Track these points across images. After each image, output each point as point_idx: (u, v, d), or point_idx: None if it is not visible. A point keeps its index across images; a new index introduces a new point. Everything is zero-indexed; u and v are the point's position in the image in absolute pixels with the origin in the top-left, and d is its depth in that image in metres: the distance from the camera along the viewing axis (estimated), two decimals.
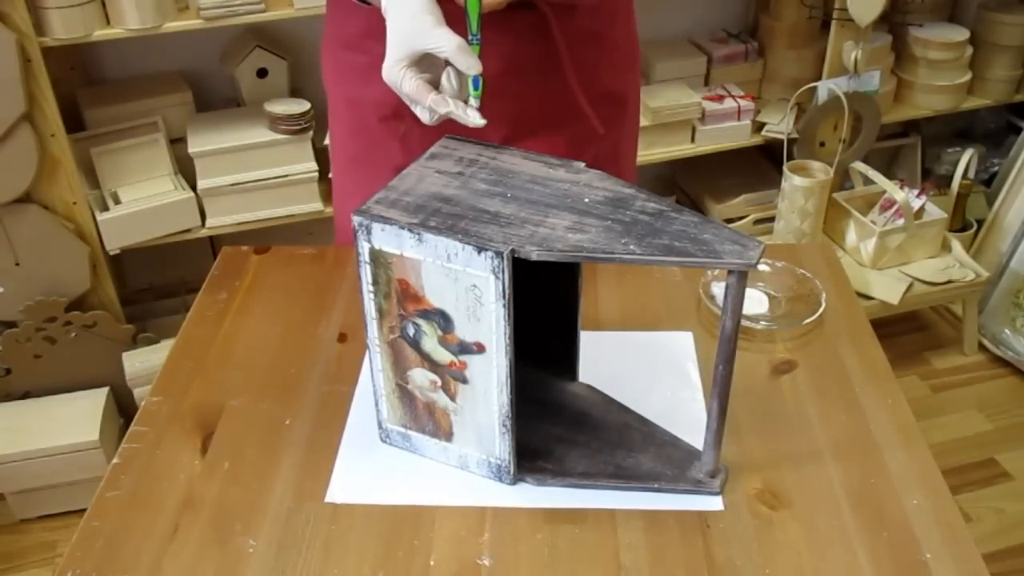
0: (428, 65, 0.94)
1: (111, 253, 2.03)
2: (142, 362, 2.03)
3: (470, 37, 0.94)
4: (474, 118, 0.93)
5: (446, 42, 0.91)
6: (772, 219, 2.37)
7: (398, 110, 1.19)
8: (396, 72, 0.94)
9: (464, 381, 0.91)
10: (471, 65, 0.91)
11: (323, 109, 2.13)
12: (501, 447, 0.94)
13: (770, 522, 0.92)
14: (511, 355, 0.87)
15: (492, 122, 1.06)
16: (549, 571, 0.88)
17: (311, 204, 2.13)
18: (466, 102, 0.94)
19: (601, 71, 1.21)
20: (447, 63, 0.93)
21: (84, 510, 0.95)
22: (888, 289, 2.25)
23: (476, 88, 0.93)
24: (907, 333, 2.52)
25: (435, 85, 0.94)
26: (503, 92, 1.13)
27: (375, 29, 1.13)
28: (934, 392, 2.35)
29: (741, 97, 2.36)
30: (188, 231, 2.09)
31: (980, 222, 2.52)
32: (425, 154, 0.96)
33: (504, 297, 0.83)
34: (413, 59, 0.93)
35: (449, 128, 1.04)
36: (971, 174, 2.46)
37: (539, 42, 1.14)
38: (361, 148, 1.27)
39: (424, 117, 0.96)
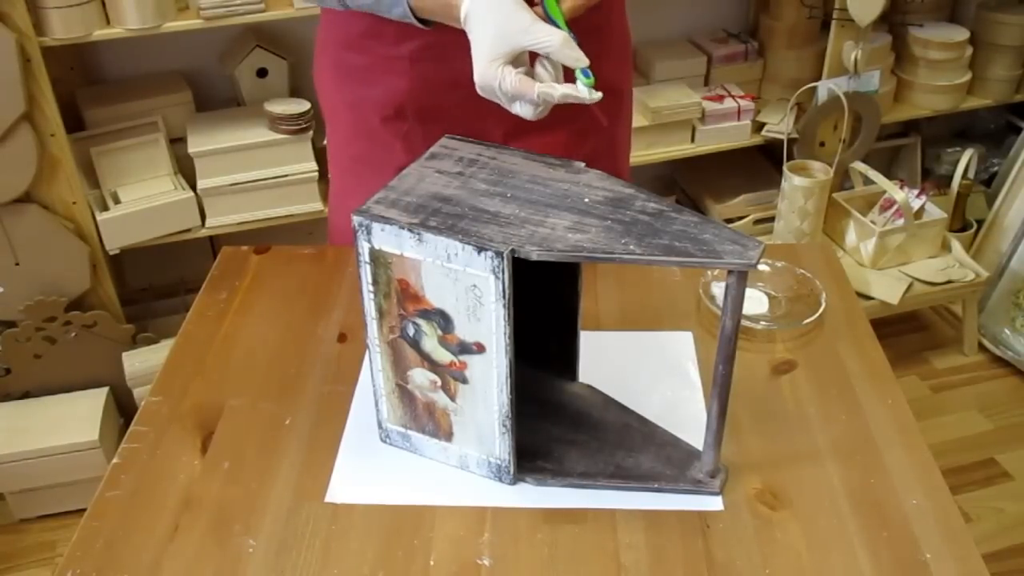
0: (521, 59, 0.92)
1: (111, 253, 2.03)
2: (142, 362, 2.03)
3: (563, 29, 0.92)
4: (593, 93, 0.90)
5: (552, 37, 0.88)
6: (772, 219, 2.37)
7: (400, 110, 1.20)
8: (493, 71, 0.91)
9: (464, 381, 0.91)
10: (578, 58, 0.89)
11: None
12: (501, 447, 0.94)
13: (770, 522, 0.92)
14: (511, 355, 0.87)
15: (494, 118, 1.05)
16: (549, 571, 0.88)
17: (311, 204, 2.13)
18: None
19: (601, 63, 1.21)
20: (539, 58, 0.91)
21: (84, 510, 0.95)
22: (888, 289, 2.25)
23: (588, 77, 0.90)
24: (907, 333, 2.52)
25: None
26: None
27: (376, 29, 1.13)
28: (934, 392, 2.35)
29: (741, 97, 2.36)
30: (188, 231, 2.09)
31: (980, 222, 2.52)
32: (425, 154, 0.96)
33: (504, 297, 0.83)
34: (510, 58, 0.91)
35: (455, 125, 1.04)
36: (971, 174, 2.46)
37: None
38: (363, 149, 1.27)
39: (527, 112, 0.93)
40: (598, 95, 0.90)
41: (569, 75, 0.91)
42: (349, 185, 1.32)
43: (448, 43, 1.05)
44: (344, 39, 1.21)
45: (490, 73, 0.91)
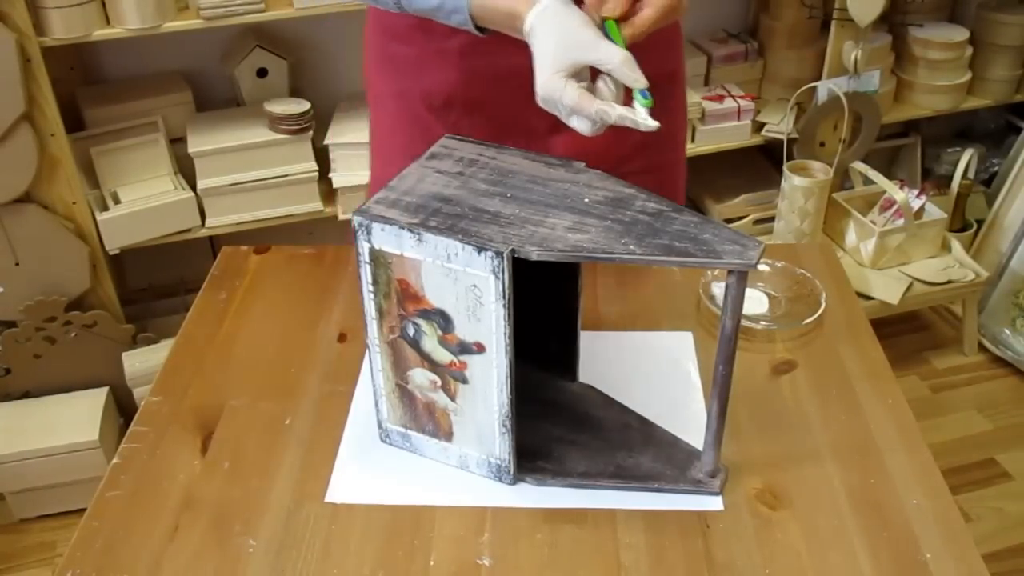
0: (584, 73, 0.93)
1: (111, 253, 2.03)
2: (142, 362, 2.03)
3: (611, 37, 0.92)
4: (649, 121, 0.90)
5: (613, 55, 0.89)
6: (772, 219, 2.37)
7: (449, 100, 1.20)
8: (556, 82, 0.91)
9: (464, 381, 0.91)
10: (637, 79, 0.89)
11: (322, 109, 2.13)
12: (501, 447, 0.94)
13: (770, 522, 0.92)
14: (511, 355, 0.87)
15: (540, 110, 1.05)
16: (549, 571, 0.88)
17: (311, 204, 2.13)
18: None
19: (647, 60, 1.22)
20: (601, 75, 0.92)
21: (84, 510, 0.95)
22: (888, 289, 2.25)
23: (646, 98, 0.90)
24: (907, 333, 2.52)
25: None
26: None
27: (426, 22, 1.14)
28: (934, 392, 2.35)
29: (741, 97, 2.36)
30: (188, 231, 2.09)
31: (980, 222, 2.52)
32: (425, 154, 0.96)
33: (504, 297, 0.83)
34: (573, 71, 0.91)
35: (501, 117, 1.03)
36: (971, 174, 2.46)
37: None
38: (409, 139, 1.26)
39: (584, 128, 0.93)
40: (655, 124, 0.90)
41: (628, 96, 0.92)
42: (393, 175, 1.32)
43: (497, 37, 1.06)
44: (391, 30, 1.21)
45: (552, 84, 0.91)
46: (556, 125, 1.19)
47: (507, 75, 1.15)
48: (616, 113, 0.90)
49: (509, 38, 1.00)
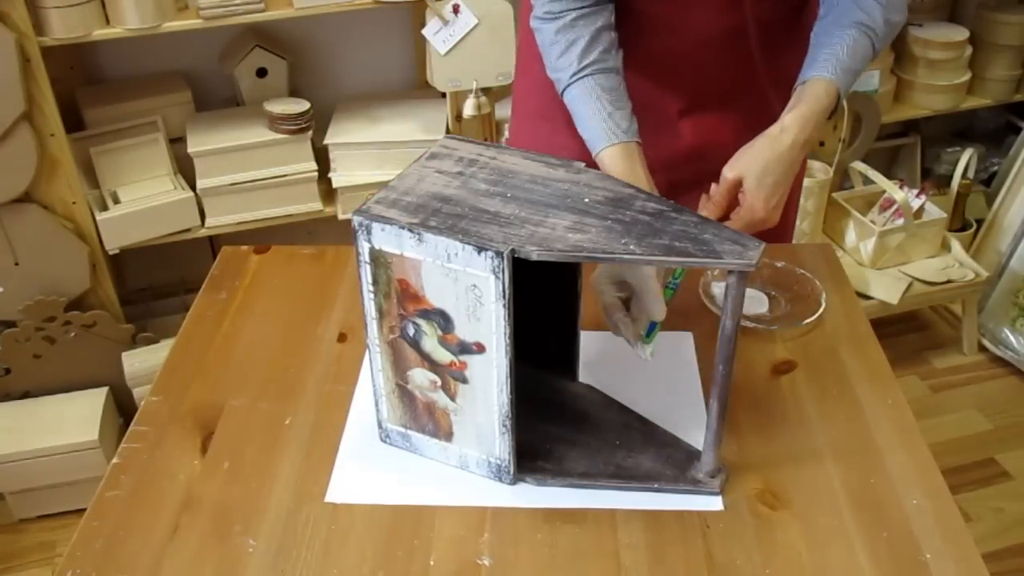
0: (626, 285, 1.01)
1: (111, 253, 2.03)
2: (142, 362, 2.03)
3: (670, 280, 1.05)
4: (643, 354, 0.99)
5: (650, 285, 0.98)
6: None
7: None
8: (601, 283, 1.01)
9: (464, 381, 0.91)
10: (657, 313, 0.97)
11: (322, 109, 2.14)
12: (501, 447, 0.94)
13: (770, 522, 0.92)
14: (511, 355, 0.87)
15: (671, 93, 1.19)
16: (549, 571, 0.88)
17: (310, 204, 2.13)
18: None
19: (784, 55, 1.23)
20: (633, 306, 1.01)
21: (84, 510, 0.95)
22: (888, 289, 2.25)
23: (650, 333, 0.99)
24: (907, 333, 2.52)
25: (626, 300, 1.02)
26: (691, 64, 1.20)
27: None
28: (934, 392, 2.35)
29: None
30: (188, 231, 2.09)
31: (980, 222, 2.52)
32: (425, 154, 0.96)
33: (504, 297, 0.83)
34: (617, 279, 1.00)
35: (636, 96, 1.13)
36: (971, 174, 2.46)
37: (730, 16, 1.18)
38: (544, 103, 1.31)
39: (610, 326, 1.02)
40: (649, 358, 0.99)
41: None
42: (528, 137, 1.37)
43: (644, 22, 1.11)
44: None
45: (599, 283, 1.01)
46: (686, 110, 1.27)
47: (646, 58, 1.21)
48: (621, 335, 1.00)
49: (651, 27, 1.15)
